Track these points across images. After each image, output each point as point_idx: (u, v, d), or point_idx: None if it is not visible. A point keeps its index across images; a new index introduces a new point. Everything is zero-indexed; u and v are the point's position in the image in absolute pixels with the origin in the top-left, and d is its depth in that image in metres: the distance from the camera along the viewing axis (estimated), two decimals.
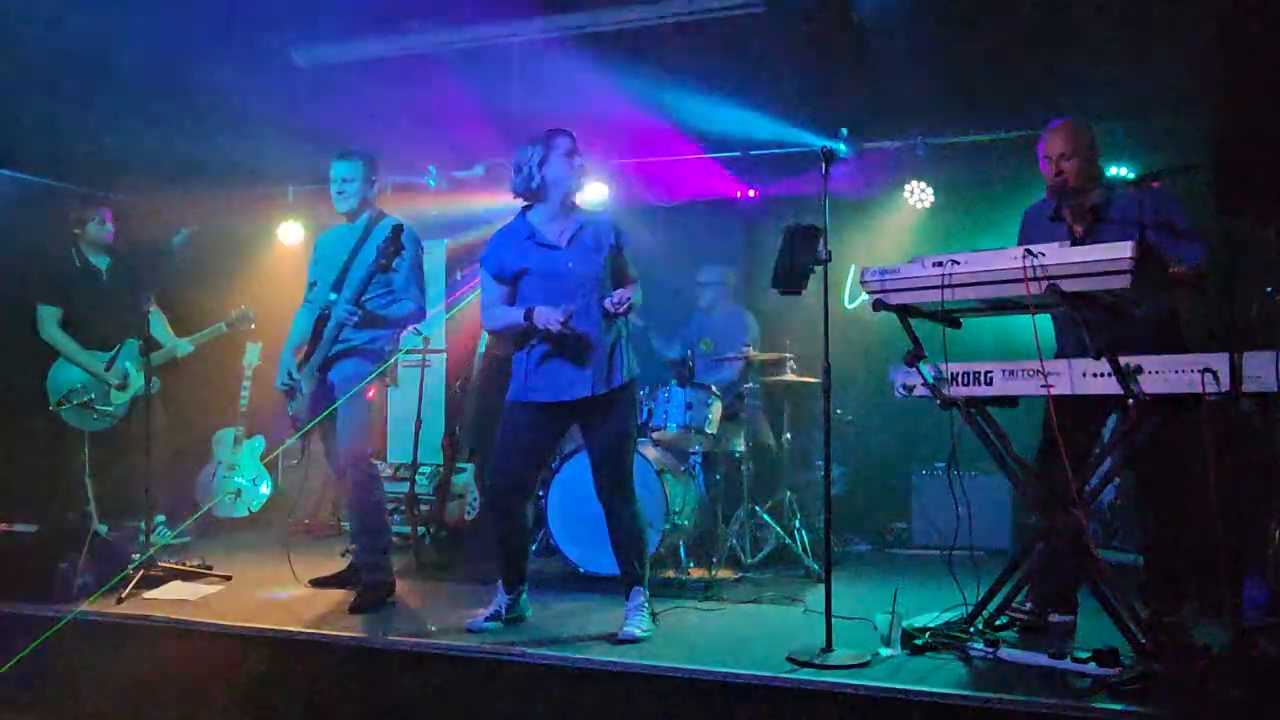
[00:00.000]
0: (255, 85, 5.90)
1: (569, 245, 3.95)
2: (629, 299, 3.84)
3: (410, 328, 4.74)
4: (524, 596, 4.13)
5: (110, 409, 5.54)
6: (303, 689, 3.77)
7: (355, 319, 4.30)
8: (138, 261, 5.67)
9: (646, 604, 3.95)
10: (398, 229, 4.31)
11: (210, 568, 4.98)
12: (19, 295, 5.62)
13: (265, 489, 6.74)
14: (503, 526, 4.05)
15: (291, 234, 7.34)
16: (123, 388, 5.55)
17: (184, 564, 4.94)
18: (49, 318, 5.50)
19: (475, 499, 6.29)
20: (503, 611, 4.03)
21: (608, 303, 3.86)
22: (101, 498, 5.48)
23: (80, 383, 5.50)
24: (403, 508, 5.86)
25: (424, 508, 5.88)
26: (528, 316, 3.84)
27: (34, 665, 4.05)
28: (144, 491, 4.70)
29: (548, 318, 3.77)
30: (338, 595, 4.53)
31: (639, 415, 4.12)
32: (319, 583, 4.77)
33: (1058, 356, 3.83)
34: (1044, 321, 3.95)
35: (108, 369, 5.52)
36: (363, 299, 4.36)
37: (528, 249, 3.96)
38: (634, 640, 3.74)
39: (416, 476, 5.96)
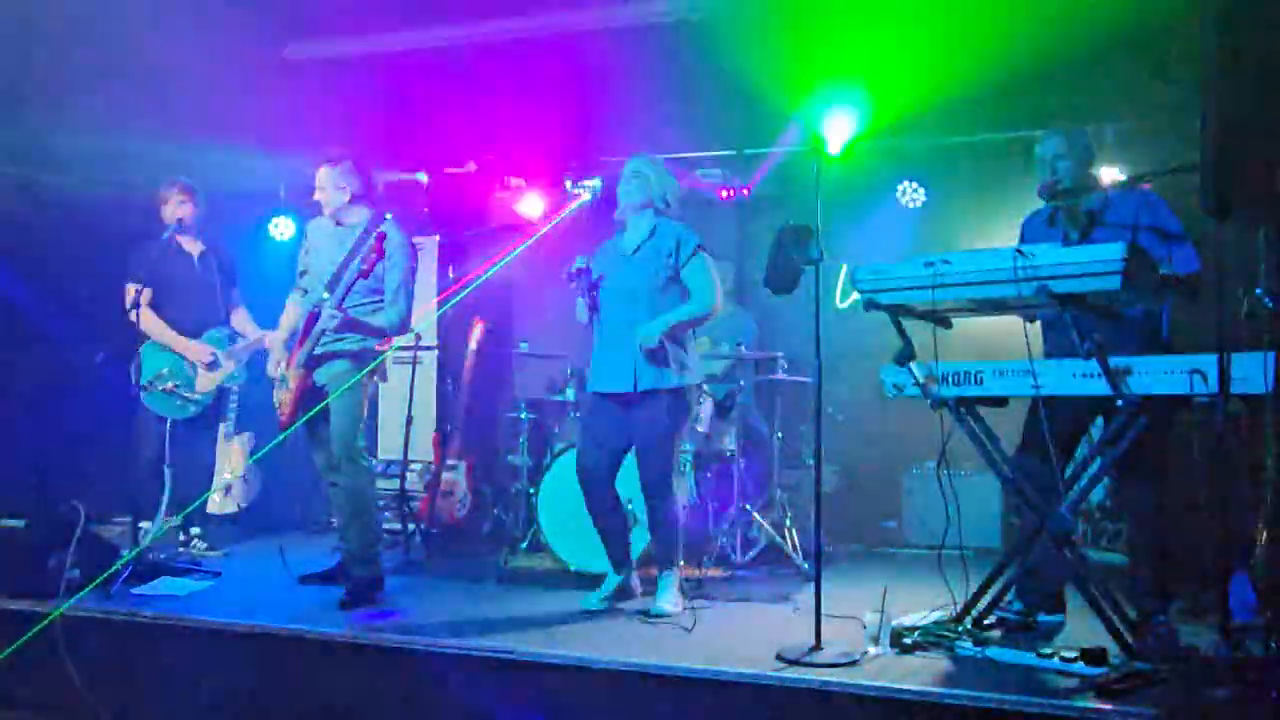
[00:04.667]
0: (248, 80, 5.89)
1: (635, 252, 4.31)
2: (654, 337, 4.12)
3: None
4: (633, 576, 4.45)
5: (196, 396, 5.45)
6: (291, 685, 3.77)
7: (335, 323, 4.29)
8: (224, 253, 5.66)
9: (675, 584, 4.26)
10: (380, 236, 4.29)
11: (199, 564, 4.97)
12: (115, 275, 5.51)
13: (255, 484, 6.71)
14: (592, 509, 4.35)
15: (284, 230, 7.32)
16: (213, 366, 5.47)
17: (172, 560, 4.93)
18: (133, 298, 5.38)
19: (465, 496, 6.29)
20: (612, 592, 4.32)
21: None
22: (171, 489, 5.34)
23: (168, 366, 5.40)
24: (393, 504, 5.86)
25: (414, 505, 5.87)
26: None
27: (21, 661, 4.04)
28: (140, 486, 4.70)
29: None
30: (327, 591, 4.52)
31: (685, 419, 4.33)
32: (308, 579, 4.77)
33: (1045, 357, 3.85)
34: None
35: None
36: (347, 303, 4.35)
37: (610, 257, 4.39)
38: (664, 616, 4.06)
39: (406, 473, 5.95)
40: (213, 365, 5.48)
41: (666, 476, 4.22)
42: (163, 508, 5.29)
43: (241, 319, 5.71)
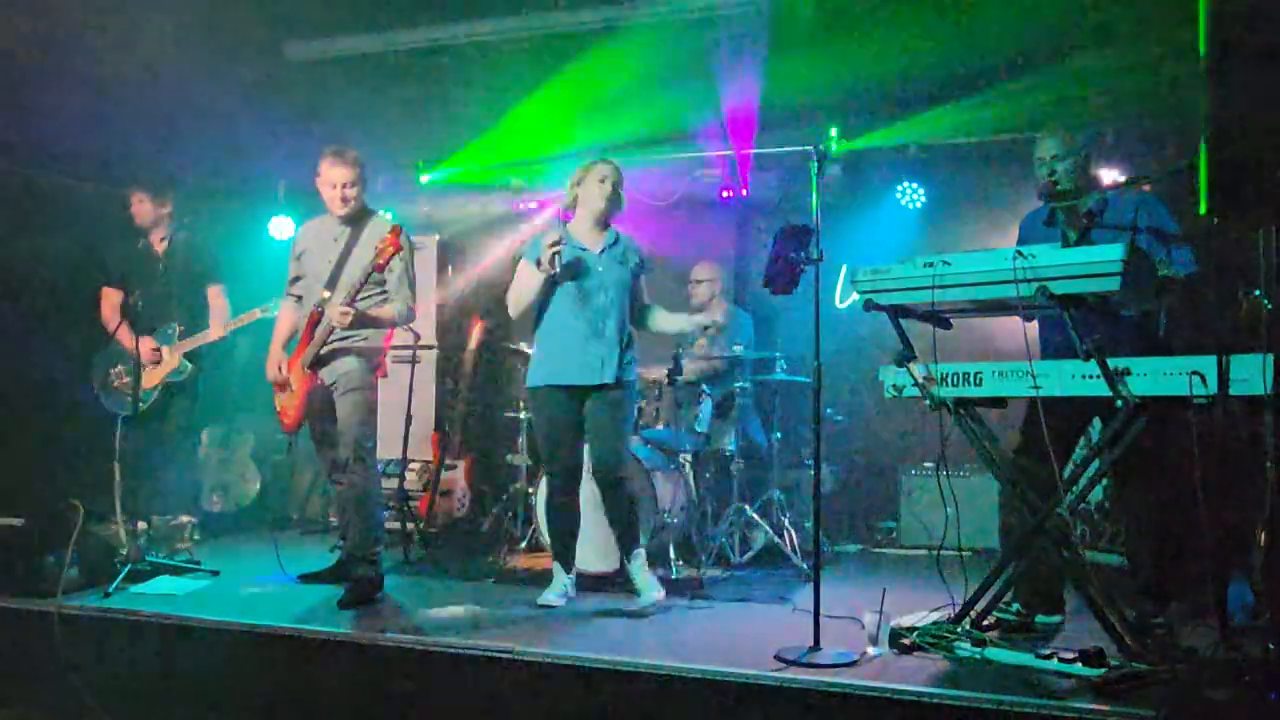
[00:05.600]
0: (246, 79, 5.89)
1: (602, 253, 4.32)
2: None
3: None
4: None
5: (140, 393, 5.25)
6: (290, 685, 3.77)
7: (348, 319, 4.30)
8: (196, 251, 5.57)
9: (645, 564, 4.34)
10: (397, 229, 4.34)
11: (198, 563, 4.97)
12: (90, 280, 5.56)
13: (254, 484, 6.73)
14: (572, 507, 4.39)
15: (283, 229, 7.32)
16: (157, 361, 5.34)
17: (171, 559, 4.93)
18: (108, 301, 5.44)
19: (464, 495, 6.29)
20: (570, 590, 4.37)
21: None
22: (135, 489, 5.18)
23: (120, 363, 5.36)
24: (392, 504, 5.86)
25: (414, 504, 5.87)
26: (538, 264, 4.16)
27: (19, 660, 4.04)
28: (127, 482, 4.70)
29: (542, 249, 4.14)
30: (326, 591, 4.52)
31: (633, 411, 4.46)
32: (307, 578, 4.76)
33: (1043, 357, 3.85)
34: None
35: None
36: (357, 299, 4.36)
37: (573, 250, 4.29)
38: (654, 604, 4.21)
39: (405, 473, 5.95)
40: (154, 360, 5.34)
41: (622, 459, 4.31)
42: (118, 507, 5.27)
43: (216, 313, 5.54)
